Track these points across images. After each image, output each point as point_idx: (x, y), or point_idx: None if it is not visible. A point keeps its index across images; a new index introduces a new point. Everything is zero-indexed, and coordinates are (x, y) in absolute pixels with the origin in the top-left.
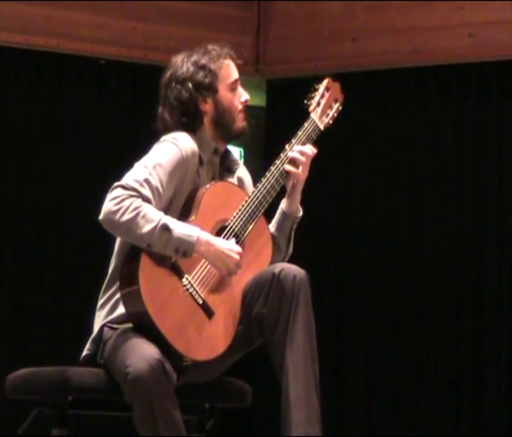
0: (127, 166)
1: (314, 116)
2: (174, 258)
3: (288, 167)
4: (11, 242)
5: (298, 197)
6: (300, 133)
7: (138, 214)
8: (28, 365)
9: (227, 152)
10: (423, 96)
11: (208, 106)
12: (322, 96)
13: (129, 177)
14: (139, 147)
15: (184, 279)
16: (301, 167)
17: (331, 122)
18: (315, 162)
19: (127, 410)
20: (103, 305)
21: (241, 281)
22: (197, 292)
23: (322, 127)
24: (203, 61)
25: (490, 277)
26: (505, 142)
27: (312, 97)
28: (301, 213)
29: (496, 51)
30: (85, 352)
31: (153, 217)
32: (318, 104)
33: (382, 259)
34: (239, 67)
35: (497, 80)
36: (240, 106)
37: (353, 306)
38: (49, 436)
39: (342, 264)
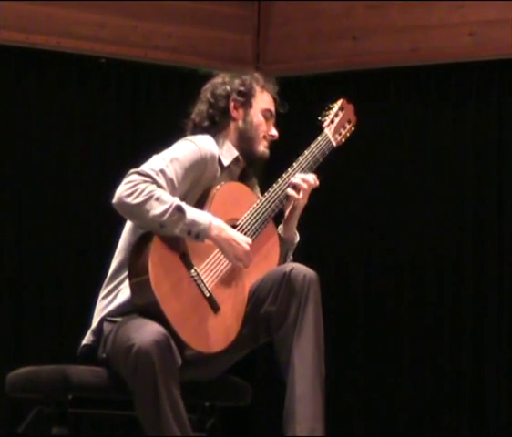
0: (127, 164)
1: (328, 131)
2: (186, 239)
3: (290, 192)
4: (11, 240)
5: (295, 222)
6: (313, 146)
7: (151, 197)
8: (28, 363)
9: (248, 170)
10: (423, 95)
11: (237, 114)
12: (337, 115)
13: (146, 166)
14: (140, 146)
15: (192, 271)
16: (301, 193)
17: (343, 140)
18: None
19: (127, 408)
20: (104, 297)
21: (249, 281)
22: (204, 285)
23: (334, 144)
24: (245, 77)
25: (490, 276)
26: (505, 141)
27: (327, 115)
28: (297, 239)
29: (496, 50)
30: (84, 342)
31: (167, 199)
32: (332, 121)
33: (381, 258)
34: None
35: (497, 79)
36: (266, 134)
37: (354, 306)
38: (49, 435)
39: (341, 270)
